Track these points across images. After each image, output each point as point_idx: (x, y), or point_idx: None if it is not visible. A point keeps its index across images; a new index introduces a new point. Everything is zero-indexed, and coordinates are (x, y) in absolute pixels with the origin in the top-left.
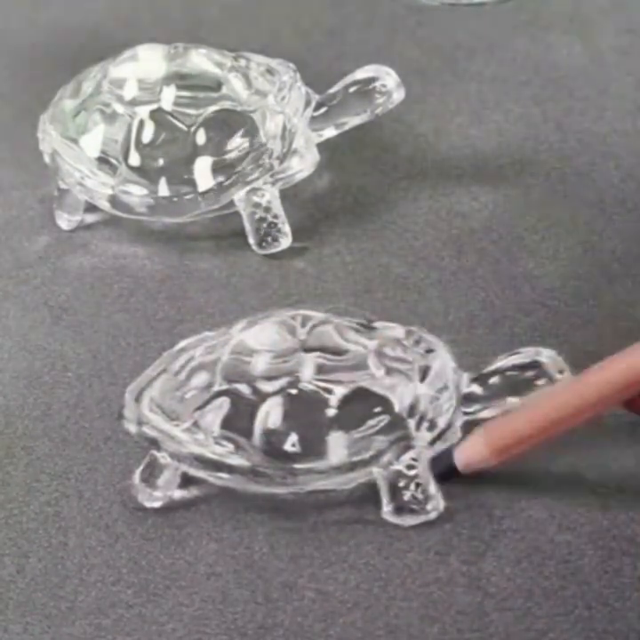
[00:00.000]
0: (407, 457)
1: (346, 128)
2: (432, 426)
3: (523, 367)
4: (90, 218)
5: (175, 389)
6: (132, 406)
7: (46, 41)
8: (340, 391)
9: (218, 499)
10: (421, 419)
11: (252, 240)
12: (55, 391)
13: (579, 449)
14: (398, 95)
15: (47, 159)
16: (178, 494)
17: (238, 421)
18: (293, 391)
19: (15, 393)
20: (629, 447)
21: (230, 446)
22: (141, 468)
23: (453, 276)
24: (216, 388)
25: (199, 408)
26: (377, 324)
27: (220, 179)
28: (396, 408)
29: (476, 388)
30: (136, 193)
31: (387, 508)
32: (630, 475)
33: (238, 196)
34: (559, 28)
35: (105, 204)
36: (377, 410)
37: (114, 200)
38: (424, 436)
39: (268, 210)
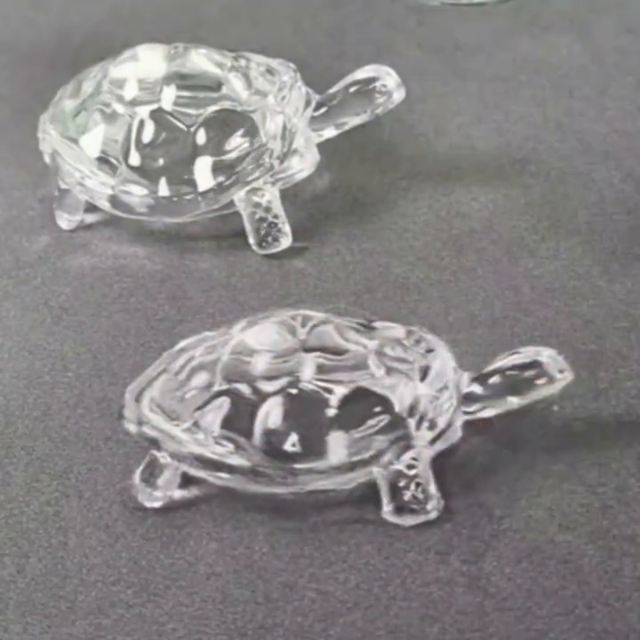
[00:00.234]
0: (407, 457)
1: (346, 128)
2: (432, 425)
3: (523, 367)
4: (90, 218)
5: (175, 389)
6: (132, 406)
7: (46, 41)
8: (340, 391)
9: (218, 499)
10: (421, 418)
11: (252, 240)
12: (55, 391)
13: (579, 449)
14: (398, 95)
15: (47, 159)
16: (178, 494)
17: (238, 421)
18: (293, 391)
19: (15, 393)
20: (629, 447)
21: (230, 446)
22: (141, 468)
23: (453, 276)
24: (216, 387)
25: (199, 408)
26: (377, 324)
27: (220, 179)
28: (397, 408)
29: (476, 388)
30: (136, 193)
31: (387, 507)
32: (630, 475)
33: (238, 196)
34: (559, 28)
35: (105, 204)
36: (377, 410)
37: (114, 200)
38: (424, 435)
39: (268, 210)
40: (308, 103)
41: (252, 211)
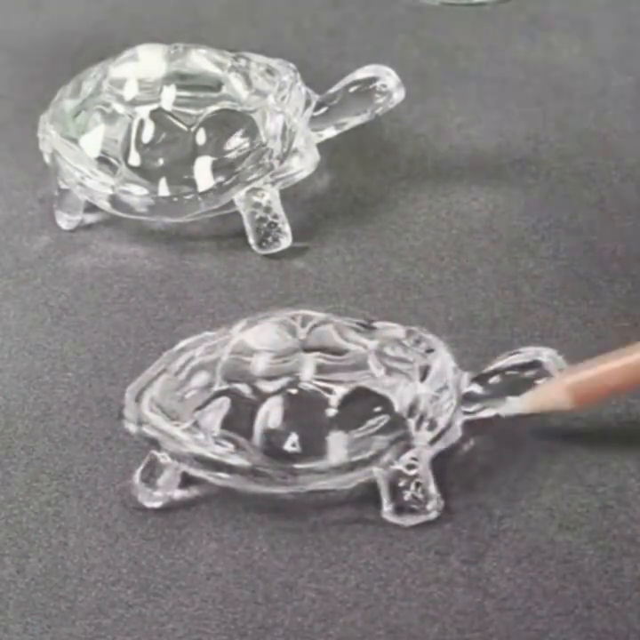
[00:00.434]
0: (407, 457)
1: (346, 128)
2: (432, 425)
3: (523, 367)
4: (90, 218)
5: (175, 389)
6: (132, 406)
7: (46, 41)
8: (340, 391)
9: (218, 499)
10: (421, 418)
11: (252, 240)
12: (55, 391)
13: (579, 449)
14: (398, 95)
15: (47, 159)
16: (178, 494)
17: (238, 421)
18: (293, 391)
19: (15, 393)
20: (629, 447)
21: (230, 446)
22: (141, 468)
23: (453, 276)
24: (216, 387)
25: (199, 408)
26: (377, 324)
27: (220, 179)
28: (396, 408)
29: (476, 388)
30: (136, 193)
31: (387, 507)
32: (630, 475)
33: (238, 196)
34: (559, 28)
35: (105, 204)
36: (377, 410)
37: (114, 200)
38: (424, 435)
39: (268, 210)
40: (308, 103)
41: (252, 211)
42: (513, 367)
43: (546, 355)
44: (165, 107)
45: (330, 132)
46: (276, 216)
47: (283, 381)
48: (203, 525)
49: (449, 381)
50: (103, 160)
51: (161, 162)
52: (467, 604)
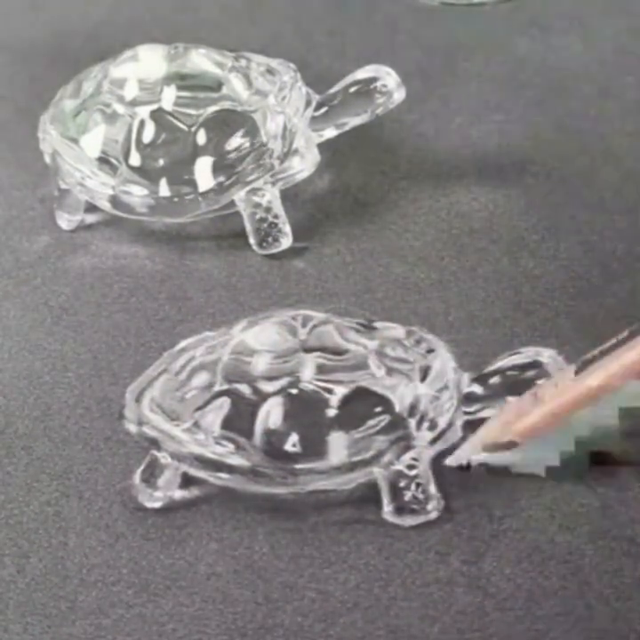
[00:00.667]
0: (408, 457)
1: (346, 128)
2: (433, 426)
3: (523, 367)
4: (90, 218)
5: (176, 389)
6: (132, 406)
7: (46, 41)
8: (340, 391)
9: (218, 499)
10: (422, 418)
11: (252, 240)
12: (55, 391)
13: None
14: (398, 95)
15: (47, 159)
16: (178, 494)
17: (239, 421)
18: (294, 391)
19: (15, 393)
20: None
21: (230, 446)
22: (142, 468)
23: (453, 276)
24: (216, 387)
25: (199, 408)
26: (377, 324)
27: (221, 179)
28: (397, 408)
29: (477, 388)
30: (136, 193)
31: (387, 508)
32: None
33: (239, 196)
34: (559, 28)
35: (105, 205)
36: (377, 410)
37: (114, 200)
38: (424, 435)
39: (268, 210)
40: (308, 103)
41: (253, 211)
42: (513, 367)
43: (546, 355)
44: (166, 107)
45: (330, 132)
46: (276, 216)
47: (283, 381)
48: (203, 525)
49: (449, 381)
50: (103, 160)
51: (161, 162)
52: (467, 603)
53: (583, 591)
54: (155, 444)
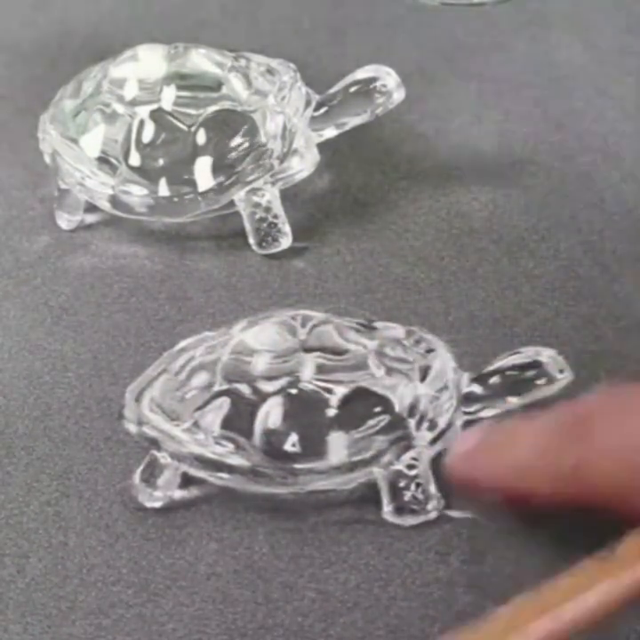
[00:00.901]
0: (407, 457)
1: (346, 128)
2: (432, 426)
3: (523, 367)
4: (90, 218)
5: (175, 389)
6: (132, 406)
7: (46, 41)
8: (340, 391)
9: (218, 499)
10: (422, 418)
11: (252, 240)
12: (55, 391)
13: None
14: (398, 95)
15: (47, 159)
16: (178, 494)
17: (238, 421)
18: (293, 391)
19: (15, 393)
20: None
21: (230, 446)
22: (141, 467)
23: (453, 276)
24: (216, 387)
25: (199, 408)
26: (377, 324)
27: (220, 179)
28: (397, 408)
29: (477, 388)
30: (136, 193)
31: (387, 507)
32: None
33: (238, 196)
34: (559, 27)
35: (105, 204)
36: (377, 410)
37: (114, 200)
38: (424, 435)
39: (268, 210)
40: (308, 103)
41: (252, 211)
42: (513, 367)
43: (546, 355)
44: (165, 107)
45: (330, 132)
46: (276, 216)
47: (283, 381)
48: (203, 525)
49: (449, 381)
50: (103, 160)
51: (161, 162)
52: (467, 603)
53: None
54: (154, 443)
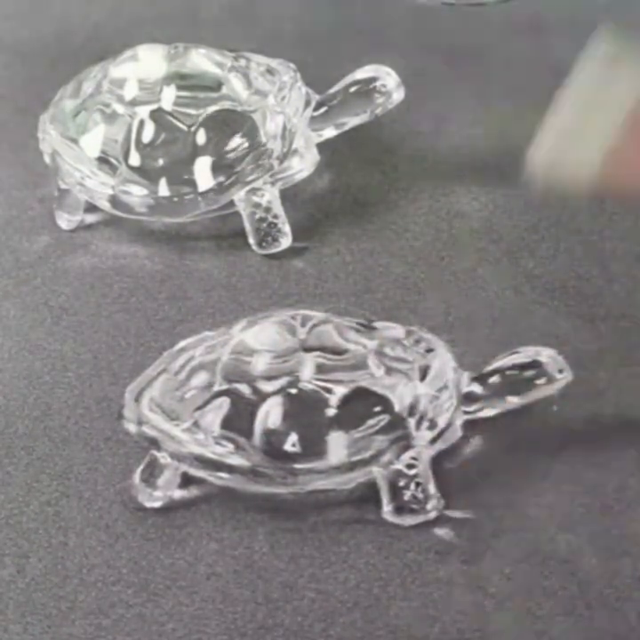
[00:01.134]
0: (407, 456)
1: (346, 128)
2: (432, 425)
3: (523, 367)
4: (90, 218)
5: (175, 389)
6: (131, 406)
7: (46, 41)
8: (339, 391)
9: (218, 499)
10: (421, 418)
11: (252, 240)
12: (55, 391)
13: (579, 449)
14: (398, 95)
15: (47, 159)
16: (178, 494)
17: (238, 421)
18: (293, 391)
19: (15, 393)
20: (629, 447)
21: (230, 446)
22: (141, 467)
23: (453, 276)
24: (216, 387)
25: (199, 408)
26: (377, 324)
27: (220, 179)
28: (396, 407)
29: (476, 388)
30: (136, 193)
31: (387, 507)
32: (630, 475)
33: (238, 196)
34: (559, 28)
35: (105, 204)
36: (377, 409)
37: (114, 200)
38: (424, 435)
39: (268, 210)
40: (307, 103)
41: (252, 211)
42: (513, 367)
43: (545, 354)
44: (165, 107)
45: (330, 132)
46: (275, 216)
47: (283, 381)
48: (203, 525)
49: (449, 381)
50: (103, 160)
51: (161, 162)
52: (467, 603)
53: (583, 591)
54: (154, 443)
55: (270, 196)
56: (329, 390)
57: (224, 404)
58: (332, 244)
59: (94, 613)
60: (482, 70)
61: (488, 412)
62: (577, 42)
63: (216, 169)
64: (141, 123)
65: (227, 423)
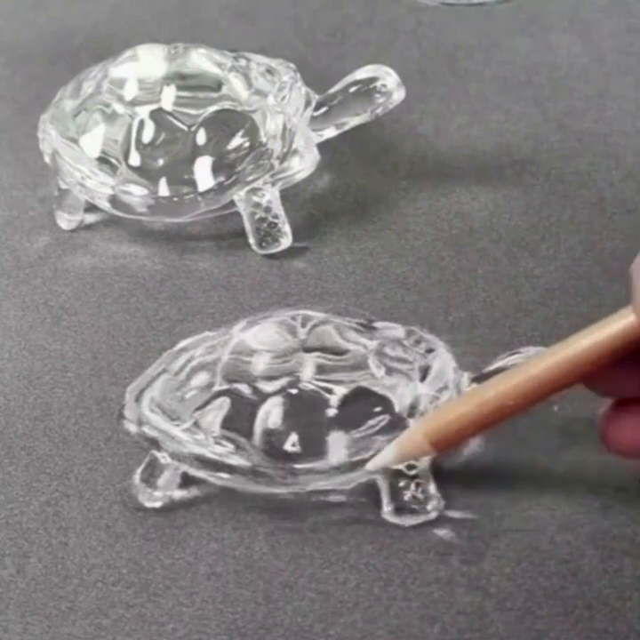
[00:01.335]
0: None
1: (346, 128)
2: None
3: None
4: (90, 218)
5: (175, 389)
6: (132, 406)
7: (46, 41)
8: (340, 391)
9: (218, 499)
10: None
11: (252, 240)
12: (55, 391)
13: (579, 449)
14: (398, 95)
15: (47, 159)
16: (178, 494)
17: (238, 421)
18: (293, 391)
19: (15, 393)
20: None
21: (230, 446)
22: (141, 467)
23: (453, 276)
24: (216, 387)
25: (199, 408)
26: (377, 324)
27: (220, 179)
28: (397, 408)
29: None
30: (136, 193)
31: (387, 508)
32: (630, 474)
33: (238, 196)
34: (559, 27)
35: (105, 204)
36: (377, 410)
37: (114, 200)
38: None
39: (268, 210)
40: (308, 103)
41: (252, 211)
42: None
43: None
44: (165, 107)
45: (330, 132)
46: (276, 216)
47: (283, 381)
48: (203, 525)
49: (449, 381)
50: (103, 160)
51: (161, 162)
52: (467, 603)
53: (583, 591)
54: (155, 443)
55: (270, 196)
56: (329, 390)
57: (224, 404)
58: (332, 244)
59: (94, 613)
60: (482, 70)
61: None
62: (577, 42)
63: (216, 169)
64: (141, 123)
65: (227, 423)
